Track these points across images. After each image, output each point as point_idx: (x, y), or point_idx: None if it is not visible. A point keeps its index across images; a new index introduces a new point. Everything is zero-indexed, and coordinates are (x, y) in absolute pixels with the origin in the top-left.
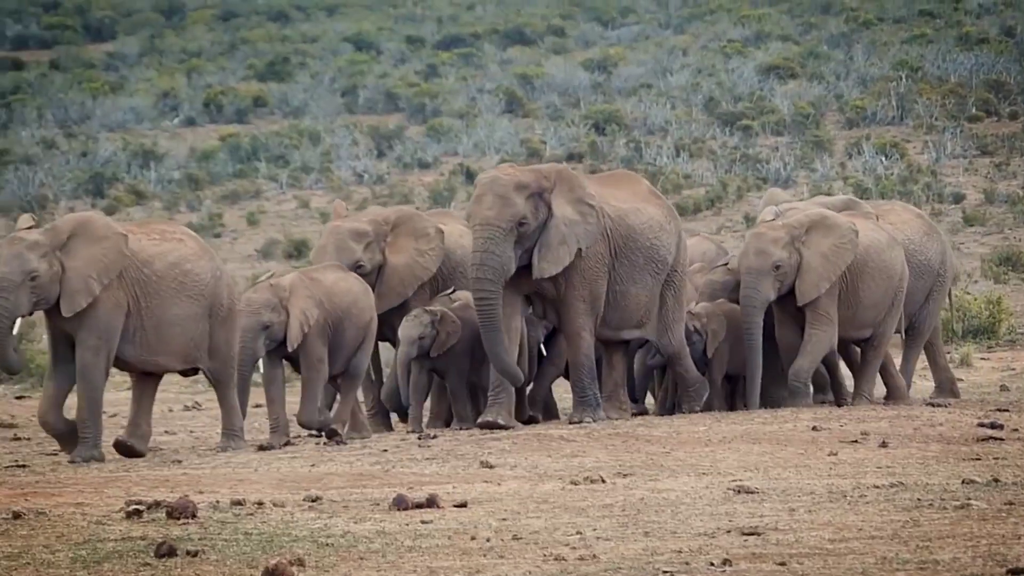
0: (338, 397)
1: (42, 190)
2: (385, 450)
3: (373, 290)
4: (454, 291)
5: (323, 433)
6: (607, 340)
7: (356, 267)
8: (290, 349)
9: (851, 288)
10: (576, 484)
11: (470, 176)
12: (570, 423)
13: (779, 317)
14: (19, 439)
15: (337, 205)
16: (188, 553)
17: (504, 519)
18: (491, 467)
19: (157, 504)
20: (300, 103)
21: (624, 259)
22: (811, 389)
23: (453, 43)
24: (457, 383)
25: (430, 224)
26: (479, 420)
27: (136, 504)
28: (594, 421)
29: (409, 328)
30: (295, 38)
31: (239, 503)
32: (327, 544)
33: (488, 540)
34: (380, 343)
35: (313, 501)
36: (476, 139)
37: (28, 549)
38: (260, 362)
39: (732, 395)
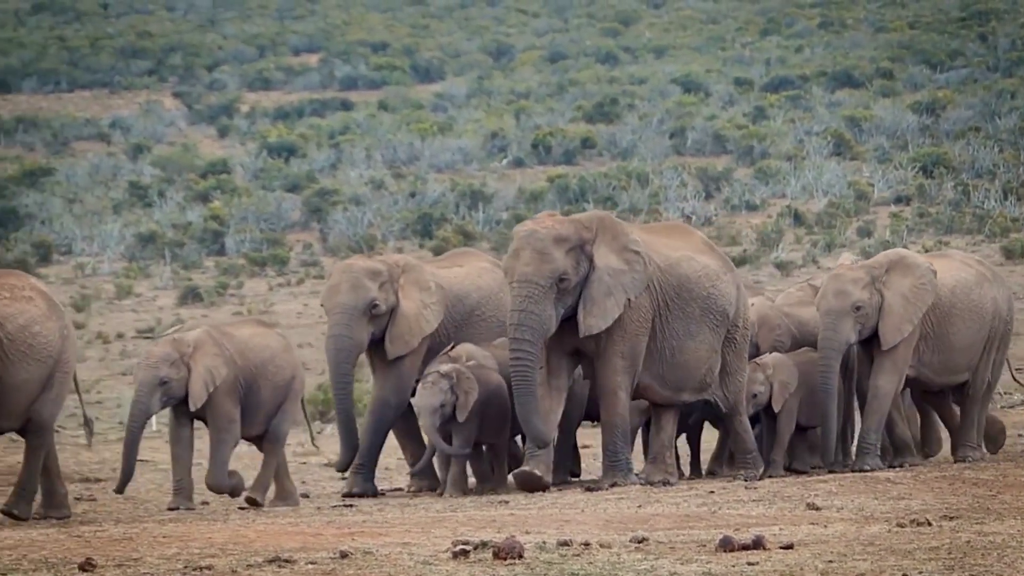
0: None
1: (370, 230)
2: (712, 492)
3: (384, 334)
4: (454, 346)
5: (235, 496)
6: (666, 402)
7: (371, 307)
8: (192, 408)
9: (938, 332)
10: (902, 527)
11: (798, 218)
12: (599, 488)
13: (864, 365)
14: None
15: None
16: None
17: (830, 561)
18: (817, 509)
19: (484, 544)
20: (628, 144)
21: (678, 311)
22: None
23: (781, 85)
24: (461, 446)
25: (431, 278)
26: (513, 472)
27: (463, 544)
28: (623, 485)
29: (428, 396)
30: (623, 79)
31: (566, 543)
32: None
33: None
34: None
35: (640, 542)
36: (804, 181)
37: None
38: (168, 418)
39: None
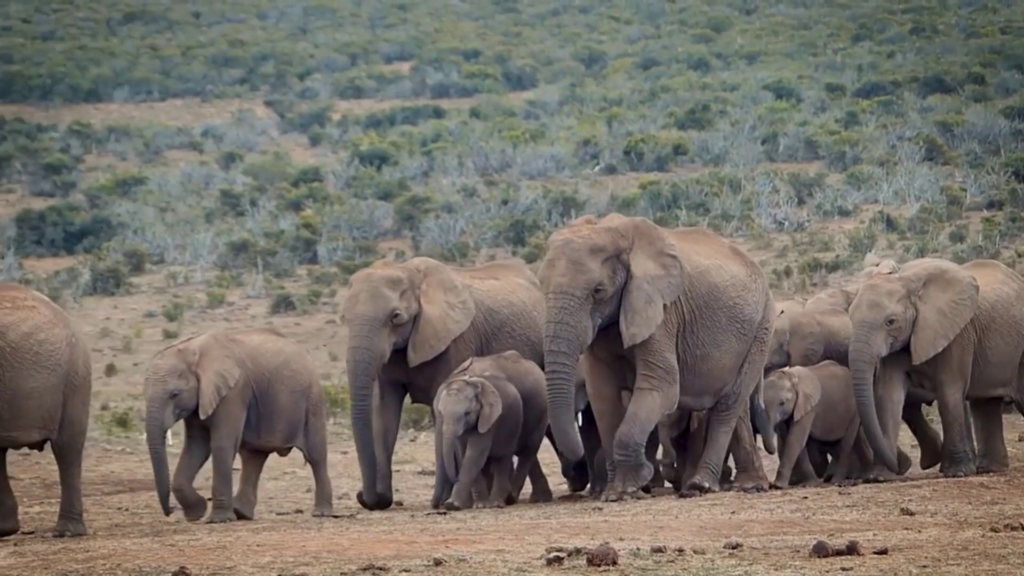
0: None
1: (463, 238)
2: (805, 497)
3: (407, 341)
4: (471, 363)
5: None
6: (686, 408)
7: (392, 317)
8: (202, 416)
9: (977, 345)
10: (996, 531)
11: (890, 224)
12: (606, 500)
13: (884, 374)
14: None
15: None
16: None
17: (924, 566)
18: (911, 514)
19: (578, 551)
20: (720, 150)
21: (706, 320)
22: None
23: (873, 91)
24: (476, 457)
25: (456, 278)
26: (608, 492)
27: (557, 551)
28: (633, 489)
29: (453, 403)
30: (715, 86)
31: (659, 550)
32: None
33: None
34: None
35: (733, 548)
36: (896, 187)
37: None
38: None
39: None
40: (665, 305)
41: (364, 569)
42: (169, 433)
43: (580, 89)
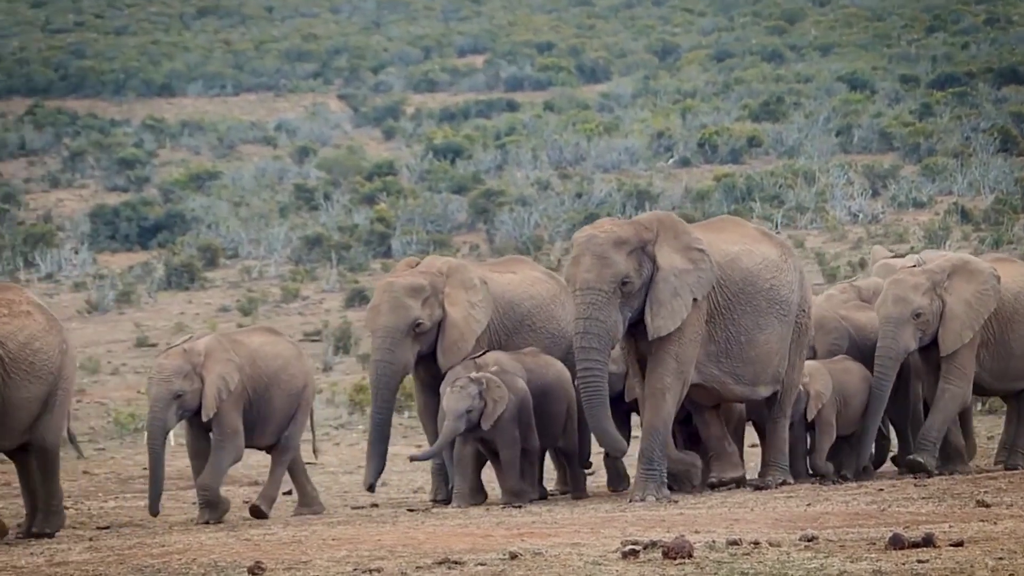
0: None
1: (537, 231)
2: (881, 489)
3: (434, 346)
4: (484, 353)
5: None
6: (743, 399)
7: (414, 326)
8: (204, 419)
9: (999, 338)
10: None
11: (965, 215)
12: (630, 500)
13: (922, 369)
14: None
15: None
16: None
17: (1000, 558)
18: (987, 506)
19: (653, 544)
20: (795, 143)
21: (745, 305)
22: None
23: (948, 82)
24: (510, 455)
25: (476, 275)
26: (632, 501)
27: (632, 544)
28: (657, 499)
29: (456, 400)
30: (789, 78)
31: (735, 543)
32: None
33: None
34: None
35: (809, 540)
36: (971, 178)
37: None
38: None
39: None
40: (695, 299)
41: (439, 563)
42: (171, 435)
43: (654, 81)
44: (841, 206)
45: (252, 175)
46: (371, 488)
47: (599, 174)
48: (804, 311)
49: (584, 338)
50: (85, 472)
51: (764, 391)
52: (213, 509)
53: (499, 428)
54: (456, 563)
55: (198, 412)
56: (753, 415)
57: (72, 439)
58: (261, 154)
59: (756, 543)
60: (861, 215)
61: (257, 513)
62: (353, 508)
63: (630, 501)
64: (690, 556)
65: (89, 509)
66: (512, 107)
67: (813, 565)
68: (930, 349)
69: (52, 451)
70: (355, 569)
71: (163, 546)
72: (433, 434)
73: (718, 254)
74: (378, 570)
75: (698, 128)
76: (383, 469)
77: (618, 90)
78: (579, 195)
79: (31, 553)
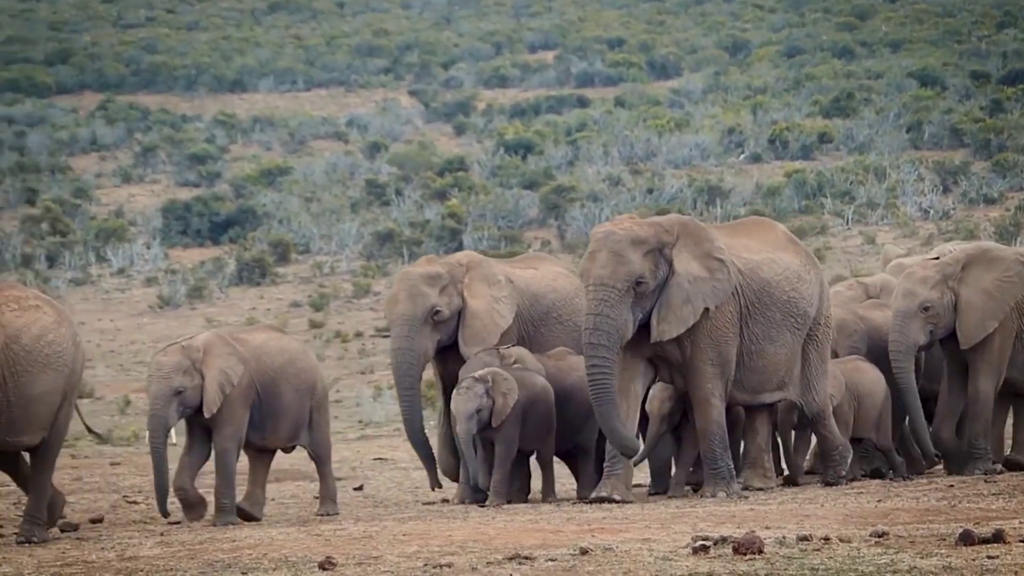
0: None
1: None
2: (951, 485)
3: (455, 338)
4: (512, 346)
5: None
6: (746, 405)
7: (433, 314)
8: (207, 415)
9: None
10: None
11: None
12: (701, 497)
13: (948, 366)
14: None
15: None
16: None
17: None
18: None
19: (724, 540)
20: (865, 139)
21: (759, 316)
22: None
23: (1018, 78)
24: (504, 454)
25: (498, 271)
26: (592, 495)
27: (703, 540)
28: (728, 495)
29: (463, 402)
30: (860, 74)
31: (805, 538)
32: None
33: None
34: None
35: (879, 536)
36: None
37: None
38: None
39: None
40: (707, 309)
41: (510, 559)
42: (173, 432)
43: (725, 77)
44: (912, 202)
45: (323, 170)
46: (436, 486)
47: (670, 170)
48: (823, 322)
49: (593, 335)
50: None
51: (768, 398)
52: (227, 513)
53: (498, 426)
54: (526, 559)
55: (198, 411)
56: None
57: (92, 431)
58: (332, 149)
59: (826, 539)
60: (932, 211)
61: (326, 516)
62: (424, 504)
63: (701, 497)
64: (760, 552)
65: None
66: (583, 103)
67: (883, 561)
68: (952, 343)
69: (55, 447)
70: (425, 564)
71: (233, 541)
72: (448, 438)
73: (740, 262)
74: (448, 565)
75: (769, 124)
76: (436, 469)
77: (689, 86)
78: (650, 191)
79: (102, 548)
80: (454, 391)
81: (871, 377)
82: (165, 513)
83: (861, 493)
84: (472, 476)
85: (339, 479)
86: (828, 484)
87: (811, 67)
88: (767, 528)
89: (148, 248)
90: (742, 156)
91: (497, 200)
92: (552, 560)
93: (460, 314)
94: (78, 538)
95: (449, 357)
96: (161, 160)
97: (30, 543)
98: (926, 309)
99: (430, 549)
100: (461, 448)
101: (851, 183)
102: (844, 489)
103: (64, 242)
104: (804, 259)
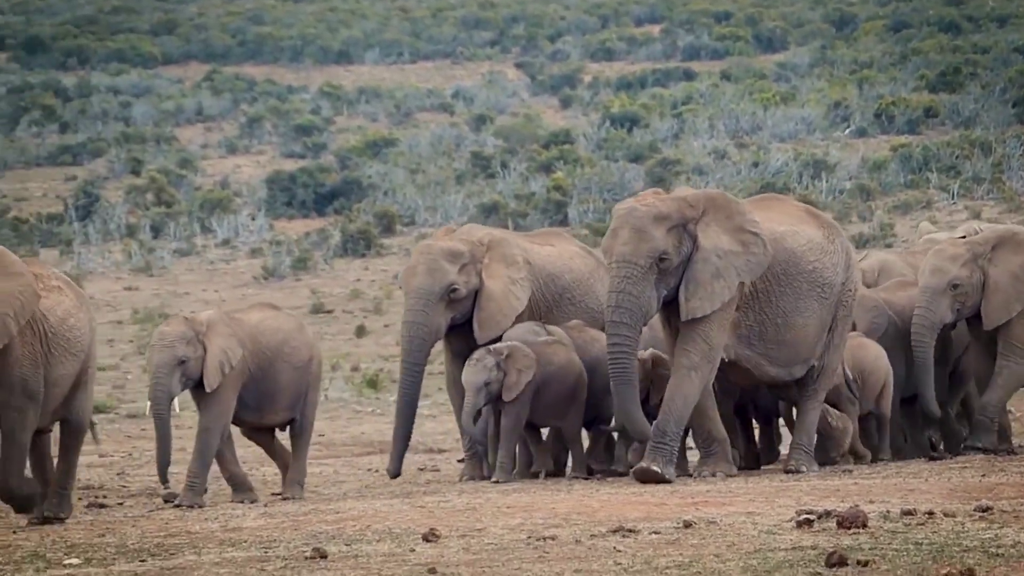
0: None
1: None
2: None
3: (469, 317)
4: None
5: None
6: (777, 380)
7: (450, 291)
8: (208, 389)
9: None
10: None
11: None
12: (631, 472)
13: (974, 346)
14: None
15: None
16: (858, 563)
17: None
18: None
19: (828, 514)
20: (971, 113)
21: (787, 288)
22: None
23: None
24: (511, 426)
25: (518, 251)
26: (635, 468)
27: (807, 514)
28: (662, 472)
29: (474, 374)
30: (966, 48)
31: (909, 513)
32: (998, 555)
33: None
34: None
35: (984, 511)
36: None
37: (699, 558)
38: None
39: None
40: (743, 283)
41: (614, 531)
42: (176, 402)
43: (831, 51)
44: (1018, 177)
45: (429, 142)
46: (396, 475)
47: (775, 144)
48: (849, 292)
49: (616, 312)
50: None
51: (798, 372)
52: (196, 494)
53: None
54: (630, 531)
55: (198, 385)
56: (784, 397)
57: (91, 424)
58: (438, 121)
59: (930, 513)
60: None
61: (290, 498)
62: (534, 475)
63: (631, 472)
64: (864, 526)
65: (264, 475)
66: (689, 76)
67: (987, 536)
68: (978, 323)
69: (79, 430)
70: (529, 537)
71: (337, 512)
72: (460, 408)
73: (764, 233)
74: (552, 538)
75: (875, 98)
76: (404, 452)
77: (795, 60)
78: (755, 164)
79: (205, 519)
80: (467, 362)
81: (873, 353)
82: (165, 482)
83: (965, 468)
84: (466, 448)
85: (443, 451)
86: (932, 459)
87: (917, 41)
88: (871, 502)
89: (253, 219)
90: (848, 130)
91: (602, 173)
92: (656, 533)
93: (476, 294)
94: (181, 509)
95: (460, 335)
96: (266, 131)
97: (59, 520)
98: (955, 287)
99: (533, 521)
100: (460, 419)
101: (957, 158)
102: (948, 463)
103: (169, 213)
104: (827, 230)
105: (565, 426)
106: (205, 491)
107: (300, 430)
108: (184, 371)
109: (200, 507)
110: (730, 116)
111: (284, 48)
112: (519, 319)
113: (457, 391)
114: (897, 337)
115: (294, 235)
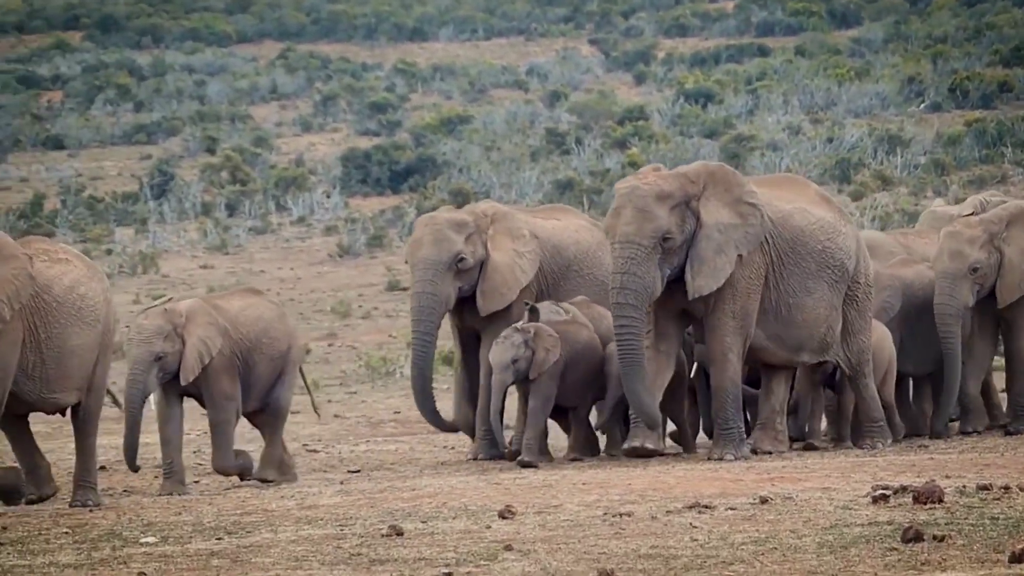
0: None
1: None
2: None
3: (473, 289)
4: (531, 306)
5: (244, 478)
6: (785, 364)
7: (457, 261)
8: (184, 382)
9: None
10: None
11: None
12: (709, 459)
13: (980, 326)
14: None
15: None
16: (934, 538)
17: None
18: None
19: (903, 489)
20: None
21: (793, 266)
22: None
23: None
24: (539, 408)
25: (524, 224)
26: (625, 447)
27: (883, 489)
28: (736, 458)
29: (501, 352)
30: None
31: (986, 488)
32: None
33: None
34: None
35: None
36: None
37: (775, 534)
38: (152, 399)
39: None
40: (741, 256)
41: (690, 507)
42: (152, 398)
43: (905, 27)
44: None
45: (503, 119)
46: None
47: (850, 119)
48: (860, 281)
49: (621, 293)
50: (336, 416)
51: (808, 357)
52: (176, 480)
53: (535, 379)
54: (706, 507)
55: (176, 376)
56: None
57: (110, 392)
58: (512, 98)
59: (1007, 488)
60: None
61: (264, 483)
62: (609, 454)
63: (708, 459)
64: (940, 501)
65: (340, 453)
66: (763, 52)
67: None
68: (987, 301)
69: (95, 409)
70: (605, 513)
71: (414, 490)
72: (466, 390)
73: (772, 211)
74: (628, 514)
75: (949, 73)
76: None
77: (869, 35)
78: (830, 140)
79: (282, 496)
80: (493, 343)
81: (878, 334)
82: (134, 468)
83: None
84: (493, 430)
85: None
86: (1008, 434)
87: (991, 16)
88: (947, 477)
89: (328, 197)
90: (922, 105)
91: (677, 149)
92: (732, 509)
93: (481, 266)
94: (255, 487)
95: (466, 309)
96: (341, 109)
97: (86, 507)
98: (975, 270)
99: (610, 498)
100: (489, 399)
101: None
102: (1022, 439)
103: (244, 191)
104: (839, 214)
105: (582, 407)
106: (253, 467)
107: (274, 414)
108: (162, 366)
109: (182, 494)
110: (804, 92)
111: (358, 26)
112: (525, 292)
113: (464, 371)
114: (904, 314)
115: (369, 213)
